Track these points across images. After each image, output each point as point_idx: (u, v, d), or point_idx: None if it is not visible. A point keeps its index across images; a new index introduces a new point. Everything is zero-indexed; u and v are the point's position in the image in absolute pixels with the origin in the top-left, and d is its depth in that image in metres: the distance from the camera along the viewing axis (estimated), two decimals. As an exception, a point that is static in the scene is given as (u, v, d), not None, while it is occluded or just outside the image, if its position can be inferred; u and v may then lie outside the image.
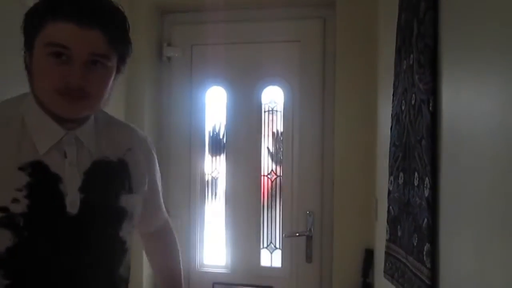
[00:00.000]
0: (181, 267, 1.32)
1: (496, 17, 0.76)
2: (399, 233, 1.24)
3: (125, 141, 1.10)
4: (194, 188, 2.37)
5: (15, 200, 0.91)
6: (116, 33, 0.95)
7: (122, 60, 0.99)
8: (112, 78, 0.98)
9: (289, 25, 2.29)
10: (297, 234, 2.24)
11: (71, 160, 0.97)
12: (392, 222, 1.31)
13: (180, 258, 1.33)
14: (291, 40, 2.28)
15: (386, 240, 1.37)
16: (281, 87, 2.31)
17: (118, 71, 1.00)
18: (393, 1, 1.48)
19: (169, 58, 2.37)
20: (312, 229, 2.23)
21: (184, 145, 2.36)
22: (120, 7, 0.97)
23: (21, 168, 0.93)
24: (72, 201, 0.96)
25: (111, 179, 1.04)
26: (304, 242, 2.24)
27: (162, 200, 1.28)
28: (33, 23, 0.92)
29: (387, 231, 1.36)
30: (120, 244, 1.06)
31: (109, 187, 1.03)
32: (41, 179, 0.94)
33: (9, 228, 0.91)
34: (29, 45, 0.93)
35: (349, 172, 2.14)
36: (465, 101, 0.90)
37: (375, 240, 1.99)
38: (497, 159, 0.73)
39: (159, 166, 1.23)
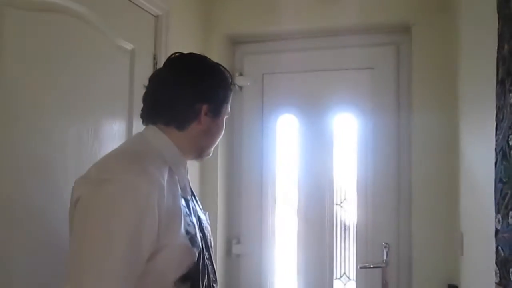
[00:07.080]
0: None
1: None
2: (512, 278, 1.17)
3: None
4: (266, 215, 2.37)
5: (188, 224, 1.07)
6: None
7: None
8: None
9: (361, 52, 2.26)
10: (372, 266, 2.18)
11: (190, 190, 1.19)
12: (503, 264, 1.24)
13: None
14: (364, 67, 2.26)
15: (495, 283, 1.30)
16: (354, 114, 2.28)
17: None
18: (479, 28, 1.43)
19: (240, 87, 2.40)
20: (388, 261, 2.16)
21: (255, 170, 2.37)
22: None
23: (182, 197, 1.10)
24: (205, 225, 1.20)
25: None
26: (379, 274, 2.17)
27: None
28: (227, 95, 1.19)
29: (496, 273, 1.29)
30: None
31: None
32: (188, 206, 1.12)
33: (195, 246, 1.07)
34: (218, 111, 1.17)
35: (428, 204, 2.06)
36: None
37: (460, 276, 1.90)
38: None
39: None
